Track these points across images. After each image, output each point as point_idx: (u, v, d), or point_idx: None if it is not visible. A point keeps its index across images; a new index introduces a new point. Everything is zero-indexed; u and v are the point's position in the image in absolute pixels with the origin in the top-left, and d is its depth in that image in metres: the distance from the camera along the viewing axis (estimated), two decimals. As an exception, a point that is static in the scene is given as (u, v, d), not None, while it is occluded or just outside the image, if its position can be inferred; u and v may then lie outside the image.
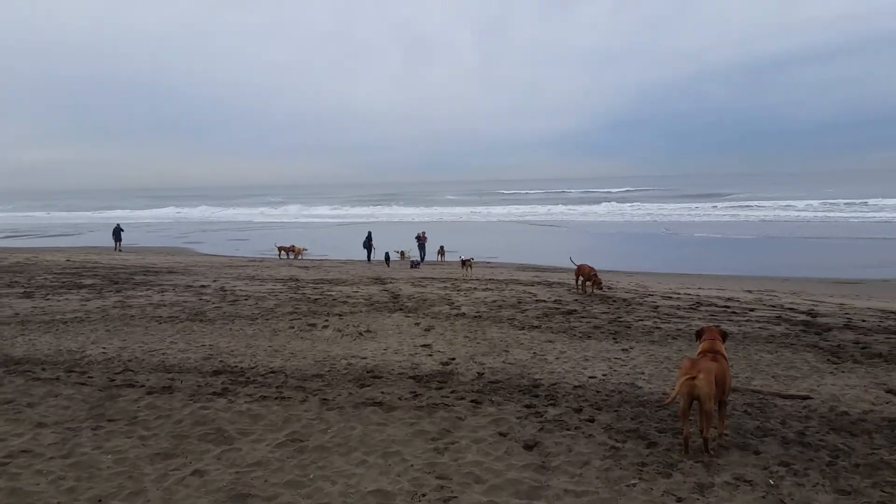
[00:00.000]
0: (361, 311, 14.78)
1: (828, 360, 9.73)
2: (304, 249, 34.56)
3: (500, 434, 6.73)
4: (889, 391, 8.01)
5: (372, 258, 32.67)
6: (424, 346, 11.29)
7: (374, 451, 6.32)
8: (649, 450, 6.19)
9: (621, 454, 6.11)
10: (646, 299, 16.34)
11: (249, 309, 15.08)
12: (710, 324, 12.26)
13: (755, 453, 6.05)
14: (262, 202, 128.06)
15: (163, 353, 10.80)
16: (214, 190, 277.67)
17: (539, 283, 20.25)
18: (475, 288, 19.01)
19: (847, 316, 13.43)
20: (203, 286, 19.35)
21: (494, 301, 16.15)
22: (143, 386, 8.76)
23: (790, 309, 14.53)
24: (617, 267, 26.42)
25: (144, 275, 22.79)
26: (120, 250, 38.38)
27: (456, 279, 21.97)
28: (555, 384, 8.68)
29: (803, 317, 13.41)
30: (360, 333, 12.35)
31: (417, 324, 13.28)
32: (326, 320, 13.64)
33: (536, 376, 9.13)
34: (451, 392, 8.36)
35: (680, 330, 12.21)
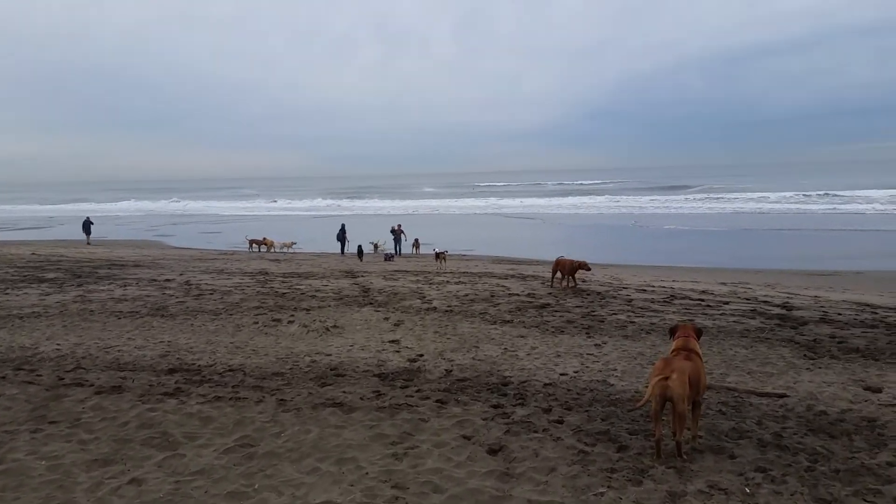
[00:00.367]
0: (330, 306, 14.34)
1: (804, 355, 9.50)
2: (293, 243, 33.98)
3: (464, 437, 6.35)
4: (867, 388, 7.77)
5: (346, 251, 32.18)
6: (392, 341, 10.91)
7: (328, 457, 5.91)
8: (619, 454, 5.85)
9: (590, 459, 5.75)
10: (620, 292, 16.09)
11: (214, 304, 14.57)
12: (685, 320, 12.04)
13: (730, 457, 5.72)
14: (237, 195, 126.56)
15: (118, 350, 10.30)
16: (188, 182, 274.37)
17: (513, 276, 19.94)
18: (448, 281, 18.64)
19: (822, 309, 13.27)
20: (168, 280, 18.76)
21: (467, 295, 15.79)
22: (91, 385, 8.27)
23: (765, 302, 14.36)
24: (591, 259, 26.16)
25: (109, 268, 22.12)
26: (89, 243, 37.55)
27: (429, 272, 21.59)
28: (524, 382, 8.35)
29: (778, 310, 13.23)
30: (327, 329, 11.93)
31: (387, 318, 12.89)
32: (292, 315, 13.18)
33: (506, 373, 8.79)
34: (417, 391, 7.98)
35: (654, 324, 11.96)
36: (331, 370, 9.03)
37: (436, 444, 6.20)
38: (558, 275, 17.55)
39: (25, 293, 15.99)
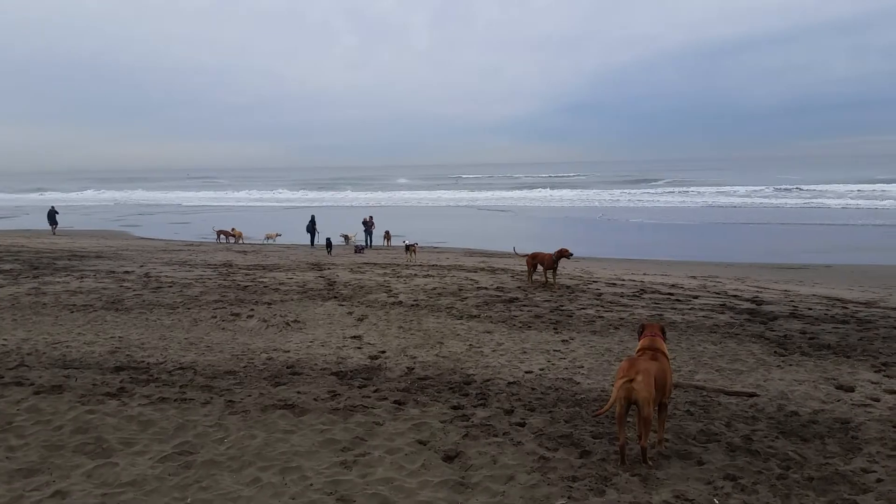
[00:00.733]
0: (293, 300, 13.88)
1: (774, 351, 9.29)
2: (278, 234, 33.29)
3: (420, 442, 5.98)
4: (839, 387, 7.55)
5: (315, 243, 31.60)
6: (354, 337, 10.53)
7: (271, 465, 5.49)
8: (582, 460, 5.52)
9: (551, 466, 5.41)
10: (590, 286, 15.85)
11: (172, 297, 14.01)
12: (653, 316, 11.83)
13: (698, 464, 5.42)
14: (208, 184, 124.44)
15: (66, 346, 9.79)
16: (160, 172, 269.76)
17: (483, 270, 19.60)
18: (416, 274, 18.25)
19: (792, 304, 13.13)
20: (127, 272, 18.09)
21: (434, 288, 15.42)
22: (32, 384, 7.75)
23: (735, 296, 14.21)
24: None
25: (69, 259, 21.36)
26: (55, 233, 36.55)
27: (398, 265, 21.17)
28: (488, 380, 8.02)
29: (748, 304, 13.08)
30: (288, 324, 11.49)
31: (350, 313, 12.48)
32: (252, 309, 12.70)
33: (470, 371, 8.47)
34: (375, 391, 7.60)
35: (623, 319, 11.71)
36: (287, 368, 8.62)
37: (389, 450, 5.81)
38: (540, 269, 16.48)
39: (-24, 286, 15.28)
